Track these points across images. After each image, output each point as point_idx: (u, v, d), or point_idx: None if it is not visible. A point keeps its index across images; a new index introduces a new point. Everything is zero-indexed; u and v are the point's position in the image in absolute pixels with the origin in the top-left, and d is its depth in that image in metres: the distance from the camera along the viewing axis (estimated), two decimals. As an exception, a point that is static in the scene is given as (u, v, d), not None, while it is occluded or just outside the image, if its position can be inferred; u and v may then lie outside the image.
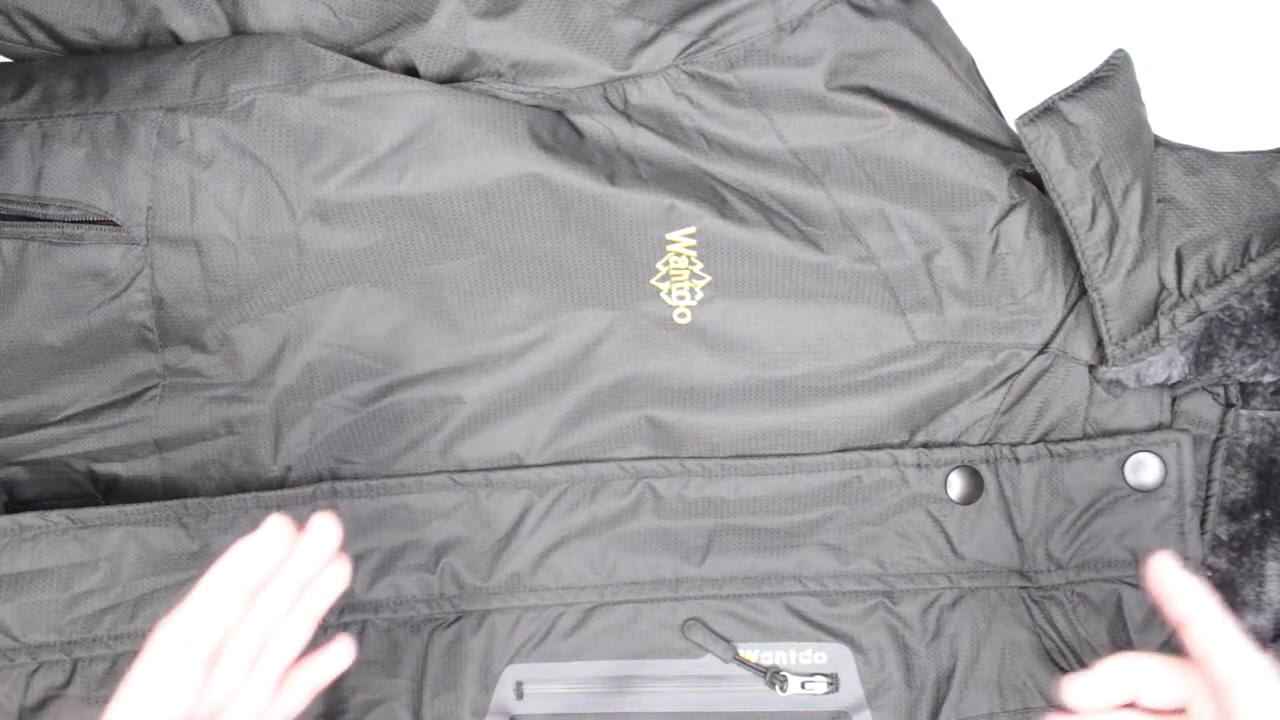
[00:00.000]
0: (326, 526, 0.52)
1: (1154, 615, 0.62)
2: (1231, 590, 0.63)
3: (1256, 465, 0.62)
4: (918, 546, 0.62)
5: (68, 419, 0.65)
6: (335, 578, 0.53)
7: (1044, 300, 0.62)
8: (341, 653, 0.55)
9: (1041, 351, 0.62)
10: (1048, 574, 0.62)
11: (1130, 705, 0.51)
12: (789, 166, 0.62)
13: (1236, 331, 0.59)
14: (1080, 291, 0.62)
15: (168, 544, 0.63)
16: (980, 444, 0.63)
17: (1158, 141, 0.61)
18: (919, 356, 0.62)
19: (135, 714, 0.48)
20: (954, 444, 0.63)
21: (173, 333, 0.64)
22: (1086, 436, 0.63)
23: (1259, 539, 0.62)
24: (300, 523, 0.52)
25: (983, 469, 0.62)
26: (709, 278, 0.62)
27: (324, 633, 0.62)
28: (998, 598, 0.63)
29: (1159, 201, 0.60)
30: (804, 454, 0.63)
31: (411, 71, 0.65)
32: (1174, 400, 0.63)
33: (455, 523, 0.63)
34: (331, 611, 0.62)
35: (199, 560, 0.62)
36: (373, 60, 0.65)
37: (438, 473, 0.63)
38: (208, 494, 0.65)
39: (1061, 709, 0.52)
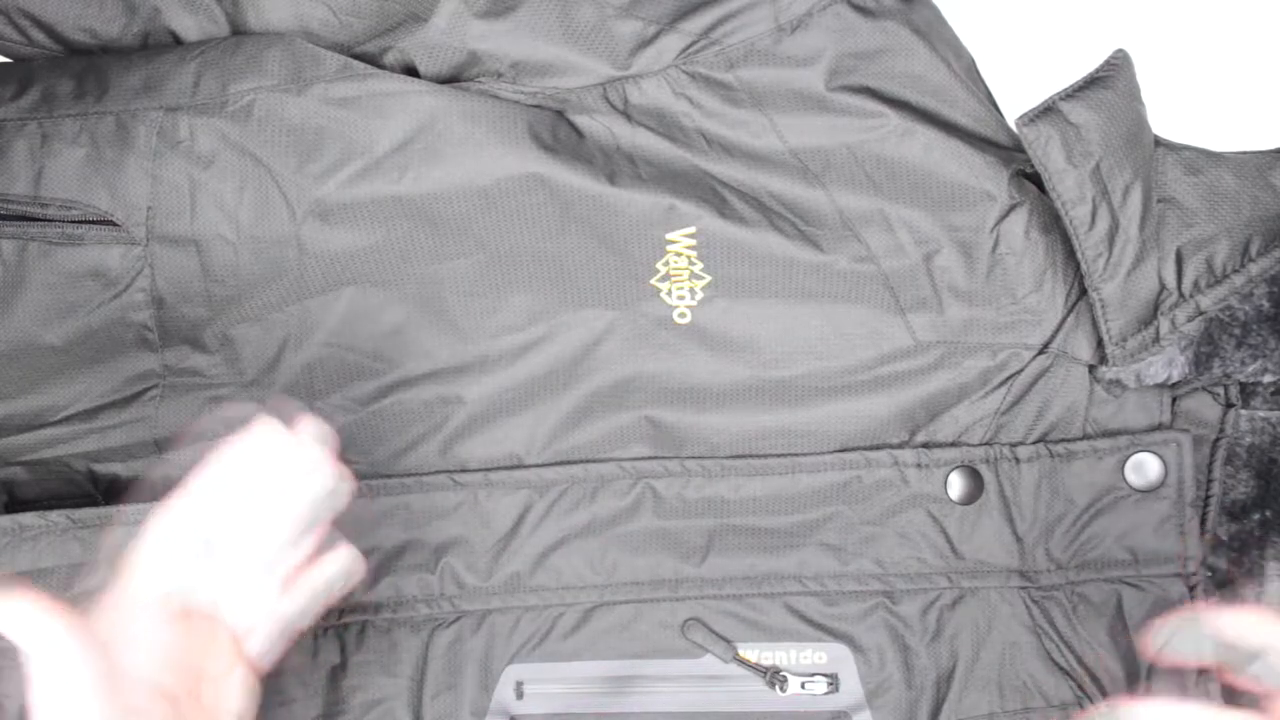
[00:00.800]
0: (314, 425, 0.53)
1: (1154, 615, 0.62)
2: (1231, 590, 0.63)
3: (1256, 465, 0.62)
4: (918, 546, 0.62)
5: (68, 419, 0.65)
6: (338, 488, 0.54)
7: (1044, 300, 0.62)
8: (349, 560, 0.55)
9: (1041, 351, 0.62)
10: (1048, 574, 0.62)
11: None
12: (789, 166, 0.62)
13: (1236, 331, 0.59)
14: (1080, 291, 0.62)
15: (168, 544, 0.63)
16: (980, 444, 0.63)
17: (1158, 141, 0.61)
18: (919, 356, 0.62)
19: (133, 592, 0.50)
20: (954, 444, 0.63)
21: (173, 333, 0.64)
22: (1087, 436, 0.63)
23: (1259, 539, 0.62)
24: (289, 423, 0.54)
25: (983, 469, 0.62)
26: (709, 278, 0.62)
27: (324, 634, 0.62)
28: (998, 598, 0.63)
29: (1159, 201, 0.60)
30: (804, 454, 0.63)
31: (411, 71, 0.65)
32: (1174, 400, 0.63)
33: (455, 523, 0.63)
34: (331, 612, 0.62)
35: (199, 560, 0.62)
36: (373, 60, 0.65)
37: (438, 473, 0.63)
38: (208, 494, 0.65)
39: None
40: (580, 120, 0.63)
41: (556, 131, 0.63)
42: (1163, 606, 0.62)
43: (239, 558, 0.52)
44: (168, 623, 0.50)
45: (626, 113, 0.63)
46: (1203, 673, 0.61)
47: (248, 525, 0.52)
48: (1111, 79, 0.59)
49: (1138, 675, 0.61)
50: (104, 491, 0.66)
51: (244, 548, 0.52)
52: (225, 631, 0.52)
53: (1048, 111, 0.57)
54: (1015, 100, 0.63)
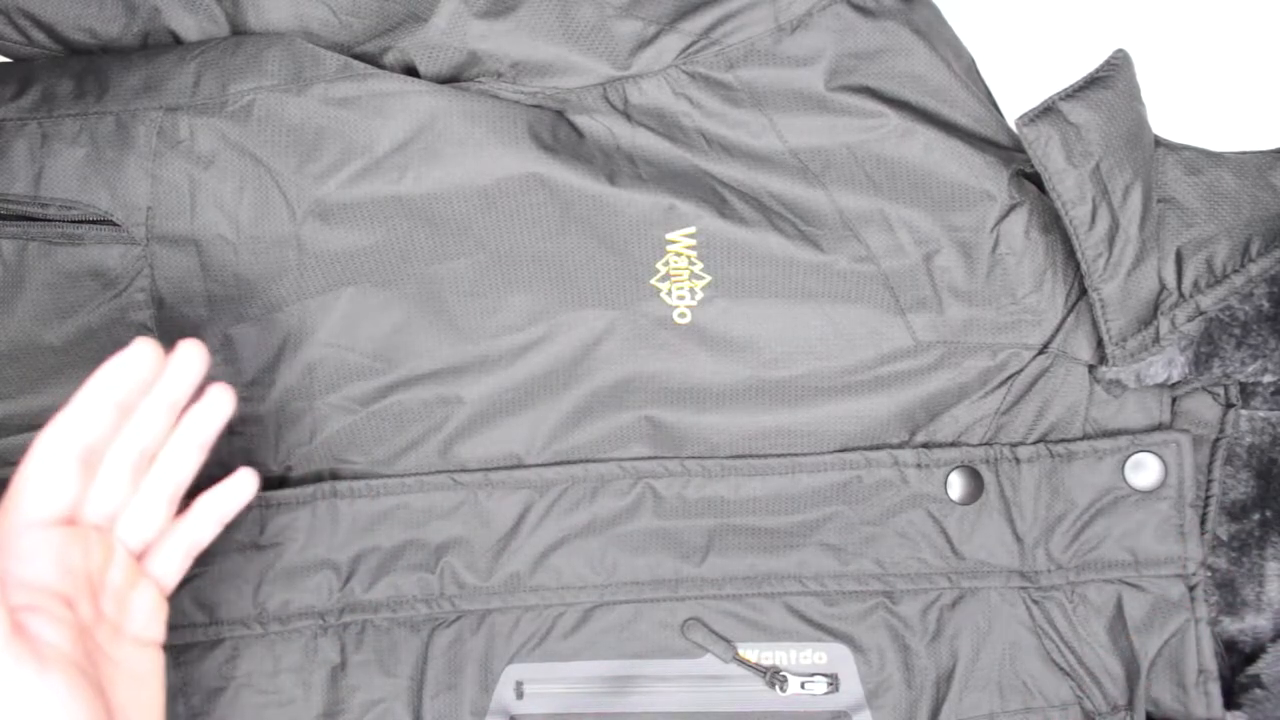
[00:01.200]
0: (192, 350, 0.55)
1: (1153, 616, 0.62)
2: (1231, 590, 0.63)
3: (1256, 465, 0.62)
4: (918, 546, 0.62)
5: (68, 419, 0.65)
6: (217, 403, 0.56)
7: (1044, 300, 0.62)
8: (244, 481, 0.58)
9: (1041, 351, 0.62)
10: (1048, 574, 0.62)
11: None
12: (789, 166, 0.62)
13: (1236, 331, 0.59)
14: (1080, 291, 0.62)
15: (168, 544, 0.63)
16: (980, 444, 0.63)
17: (1158, 141, 0.61)
18: (919, 356, 0.62)
19: (16, 511, 0.51)
20: (954, 444, 0.63)
21: (173, 333, 0.64)
22: (1086, 436, 0.63)
23: (1259, 539, 0.62)
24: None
25: (983, 469, 0.62)
26: (709, 278, 0.62)
27: (324, 632, 0.62)
28: (998, 598, 0.63)
29: (1159, 201, 0.60)
30: (804, 454, 0.63)
31: (411, 71, 0.65)
32: (1174, 400, 0.63)
33: (455, 522, 0.63)
34: (331, 612, 0.62)
35: (199, 560, 0.62)
36: (373, 60, 0.65)
37: (438, 473, 0.63)
38: (208, 494, 0.65)
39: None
40: (580, 120, 0.63)
41: (556, 131, 0.63)
42: (1163, 607, 0.62)
43: (123, 472, 0.54)
44: (54, 531, 0.51)
45: (626, 113, 0.63)
46: (1202, 672, 0.61)
47: (129, 441, 0.54)
48: (1111, 79, 0.59)
49: (1138, 675, 0.61)
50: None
51: (127, 463, 0.54)
52: (119, 545, 0.54)
53: (1048, 111, 0.57)
54: (1015, 100, 0.63)
